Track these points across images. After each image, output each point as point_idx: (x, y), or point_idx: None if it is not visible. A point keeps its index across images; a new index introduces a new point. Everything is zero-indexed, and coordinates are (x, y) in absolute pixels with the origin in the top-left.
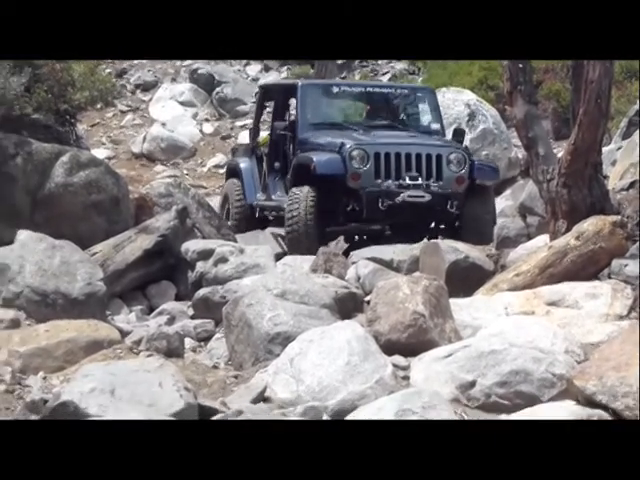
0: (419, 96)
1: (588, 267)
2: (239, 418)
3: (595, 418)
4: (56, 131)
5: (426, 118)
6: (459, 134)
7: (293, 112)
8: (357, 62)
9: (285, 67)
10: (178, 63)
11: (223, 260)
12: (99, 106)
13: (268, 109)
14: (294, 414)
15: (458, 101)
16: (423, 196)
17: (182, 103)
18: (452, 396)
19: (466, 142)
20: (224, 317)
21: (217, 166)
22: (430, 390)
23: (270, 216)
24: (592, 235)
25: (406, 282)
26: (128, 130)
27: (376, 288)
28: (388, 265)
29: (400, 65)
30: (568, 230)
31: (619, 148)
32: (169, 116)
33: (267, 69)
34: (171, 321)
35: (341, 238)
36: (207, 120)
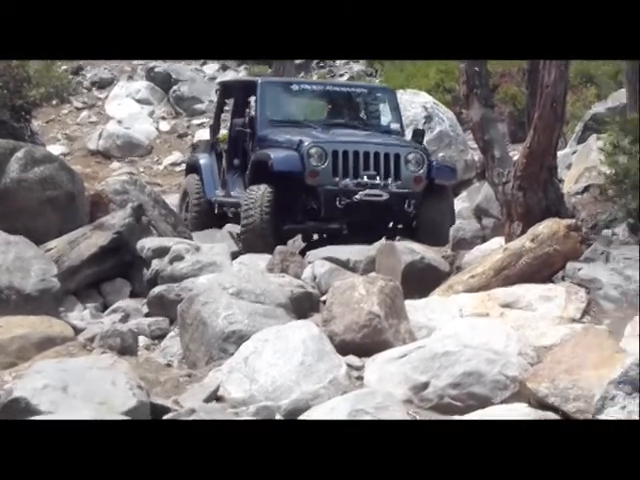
0: (379, 96)
1: (543, 270)
2: (191, 417)
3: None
4: (11, 127)
5: (386, 118)
6: (419, 134)
7: (253, 109)
8: (315, 63)
9: (243, 66)
10: (135, 61)
11: (179, 258)
12: (55, 102)
13: (228, 106)
14: (247, 413)
15: (415, 103)
16: (381, 195)
17: (138, 101)
18: (405, 397)
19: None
20: (179, 315)
21: (173, 164)
22: (383, 391)
23: (229, 213)
24: (547, 238)
25: (362, 282)
26: (84, 127)
27: (332, 288)
28: (344, 265)
29: (358, 67)
30: (523, 232)
31: (574, 152)
32: (125, 114)
33: (225, 68)
34: (125, 319)
35: (298, 237)
36: (164, 118)
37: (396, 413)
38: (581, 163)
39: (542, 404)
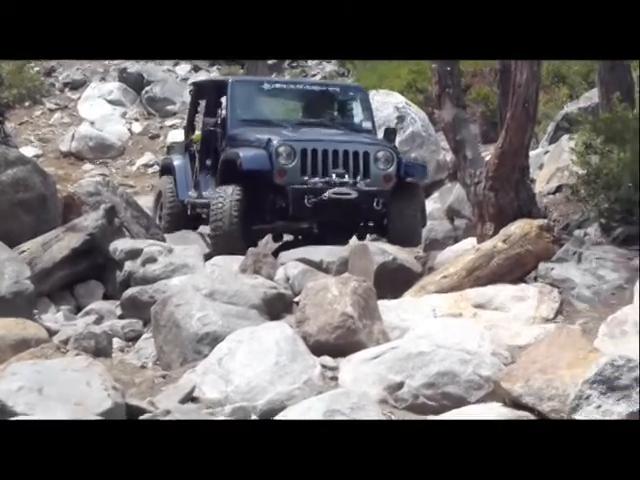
0: (351, 95)
1: (515, 270)
2: (167, 418)
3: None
4: None
5: (358, 117)
6: (390, 133)
7: (225, 109)
8: (287, 63)
9: (215, 67)
10: (107, 62)
11: (151, 260)
12: (27, 104)
13: (201, 107)
14: (222, 414)
15: (387, 103)
16: (349, 193)
17: (111, 102)
18: (380, 397)
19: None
20: (152, 317)
21: (146, 165)
22: (358, 391)
23: (203, 214)
24: (519, 238)
25: (335, 283)
26: (56, 128)
27: (305, 289)
28: (317, 266)
29: (330, 67)
30: (495, 233)
31: (546, 152)
32: (98, 115)
33: (197, 69)
34: (99, 321)
35: (269, 238)
36: (136, 119)
37: (371, 413)
38: (553, 163)
39: (517, 404)
